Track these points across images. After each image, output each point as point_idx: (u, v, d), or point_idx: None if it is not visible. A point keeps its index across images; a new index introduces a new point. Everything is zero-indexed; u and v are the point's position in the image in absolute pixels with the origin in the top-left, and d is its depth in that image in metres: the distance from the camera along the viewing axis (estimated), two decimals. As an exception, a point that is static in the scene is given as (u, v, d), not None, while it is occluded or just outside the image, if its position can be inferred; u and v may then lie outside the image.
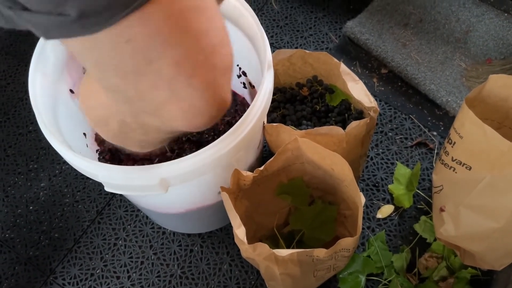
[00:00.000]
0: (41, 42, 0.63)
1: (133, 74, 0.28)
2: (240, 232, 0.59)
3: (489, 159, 0.64)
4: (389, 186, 0.86)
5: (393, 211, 0.84)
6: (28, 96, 0.59)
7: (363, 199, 0.59)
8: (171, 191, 0.57)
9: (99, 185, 0.91)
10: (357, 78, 0.71)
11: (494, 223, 0.67)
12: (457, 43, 0.97)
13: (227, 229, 0.85)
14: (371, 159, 0.90)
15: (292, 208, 0.80)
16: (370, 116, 0.66)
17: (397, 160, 0.89)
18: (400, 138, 0.91)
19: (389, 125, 0.93)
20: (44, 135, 0.57)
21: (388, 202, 0.85)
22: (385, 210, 0.85)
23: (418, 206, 0.84)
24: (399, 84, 0.96)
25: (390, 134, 0.92)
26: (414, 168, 0.85)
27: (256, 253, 0.58)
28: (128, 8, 0.24)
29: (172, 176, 0.54)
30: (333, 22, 1.05)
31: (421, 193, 0.85)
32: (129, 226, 0.87)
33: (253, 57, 0.68)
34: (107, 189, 0.57)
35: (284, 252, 0.56)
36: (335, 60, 0.72)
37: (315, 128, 0.66)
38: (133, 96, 0.31)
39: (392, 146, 0.91)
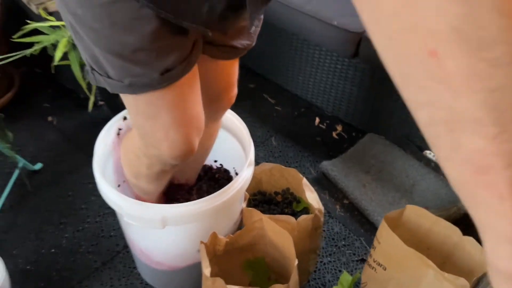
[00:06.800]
0: (105, 129, 0.96)
1: (151, 119, 0.63)
2: (207, 272, 0.83)
3: (397, 261, 0.89)
4: (334, 287, 1.07)
5: (333, 306, 1.04)
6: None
7: (296, 262, 0.83)
8: (166, 232, 0.83)
9: (109, 244, 1.16)
10: (313, 189, 1.00)
11: (400, 315, 0.88)
12: (405, 192, 1.26)
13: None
14: (324, 264, 1.13)
15: (253, 284, 1.02)
16: (315, 214, 0.93)
17: (344, 269, 1.12)
18: (349, 253, 1.15)
19: (343, 242, 1.18)
20: (96, 179, 0.86)
21: (331, 299, 1.06)
22: (327, 305, 1.05)
23: (354, 306, 1.04)
24: (355, 213, 1.23)
25: (342, 248, 1.16)
26: (354, 276, 1.07)
27: (214, 286, 0.81)
28: (146, 89, 0.59)
29: (170, 216, 0.81)
30: (314, 161, 1.39)
31: (357, 296, 1.05)
32: (123, 278, 1.09)
33: (242, 159, 1.00)
34: (125, 219, 0.84)
35: (233, 288, 0.79)
36: (300, 175, 1.03)
37: (276, 215, 0.93)
38: (147, 132, 0.66)
39: (342, 258, 1.14)
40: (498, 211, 0.24)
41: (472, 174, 0.23)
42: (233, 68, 0.81)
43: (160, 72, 0.57)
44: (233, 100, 0.86)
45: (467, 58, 0.19)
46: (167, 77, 0.57)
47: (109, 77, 0.59)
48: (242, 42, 0.71)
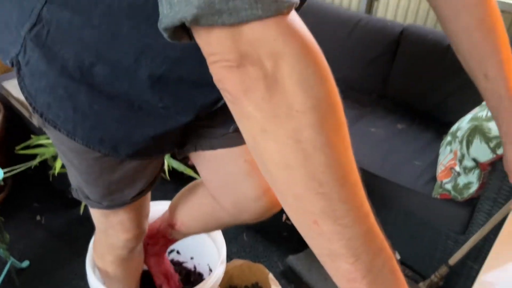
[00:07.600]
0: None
1: (110, 216, 0.80)
2: None
3: None
4: None
5: None
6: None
7: None
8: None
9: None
10: (277, 283, 1.14)
11: None
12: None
13: None
14: None
15: None
16: (280, 306, 1.07)
17: None
18: None
19: (307, 332, 1.29)
20: (87, 275, 0.99)
21: None
22: None
23: None
24: (319, 304, 1.37)
25: (307, 338, 1.28)
26: None
27: None
28: (119, 207, 0.76)
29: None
30: (281, 255, 1.54)
31: None
32: None
33: (216, 255, 1.14)
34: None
35: None
36: (267, 271, 1.17)
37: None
38: (107, 226, 0.82)
39: None
40: None
41: (346, 283, 0.40)
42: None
43: (133, 196, 0.74)
44: (270, 209, 0.79)
45: (331, 224, 0.38)
46: (137, 197, 0.75)
47: (89, 199, 0.76)
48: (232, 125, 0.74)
